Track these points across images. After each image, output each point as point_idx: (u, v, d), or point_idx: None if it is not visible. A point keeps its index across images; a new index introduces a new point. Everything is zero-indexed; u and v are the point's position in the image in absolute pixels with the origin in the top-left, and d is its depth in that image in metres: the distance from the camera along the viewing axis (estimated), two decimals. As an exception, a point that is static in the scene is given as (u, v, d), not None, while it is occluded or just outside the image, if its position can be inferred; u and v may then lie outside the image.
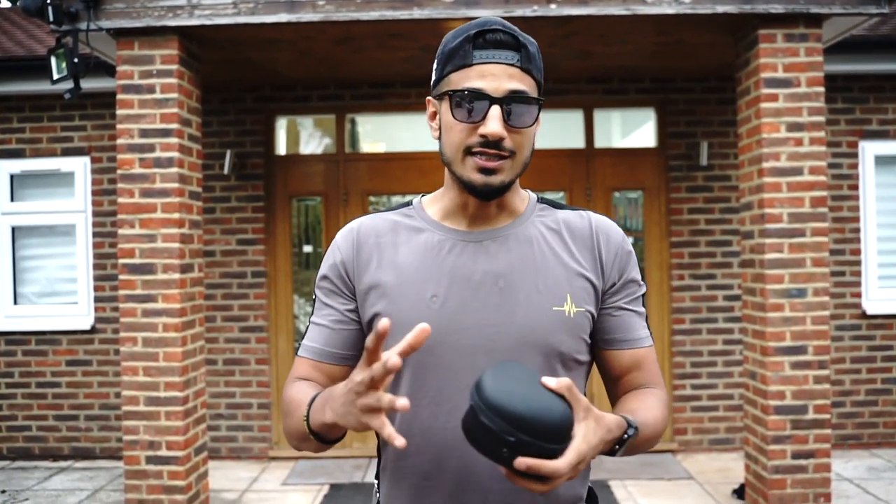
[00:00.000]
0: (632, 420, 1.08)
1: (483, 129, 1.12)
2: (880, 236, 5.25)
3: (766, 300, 3.84)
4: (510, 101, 1.13)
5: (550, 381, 0.96)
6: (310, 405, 1.10)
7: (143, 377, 3.87)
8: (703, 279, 5.25)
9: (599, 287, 1.22)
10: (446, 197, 1.25)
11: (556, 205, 1.30)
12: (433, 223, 1.25)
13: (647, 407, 1.17)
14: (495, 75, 1.13)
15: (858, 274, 5.23)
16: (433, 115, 1.22)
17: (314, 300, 1.28)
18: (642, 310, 1.26)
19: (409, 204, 1.31)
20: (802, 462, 3.83)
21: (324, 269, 1.27)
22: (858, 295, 5.23)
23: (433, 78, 1.22)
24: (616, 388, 1.28)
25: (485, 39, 1.14)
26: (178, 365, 3.86)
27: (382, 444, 1.26)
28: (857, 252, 5.22)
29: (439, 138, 1.21)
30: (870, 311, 5.19)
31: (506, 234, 1.22)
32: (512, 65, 1.14)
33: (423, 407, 1.16)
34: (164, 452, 3.87)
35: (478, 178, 1.15)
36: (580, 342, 1.20)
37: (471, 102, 1.13)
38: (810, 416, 3.83)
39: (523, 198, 1.28)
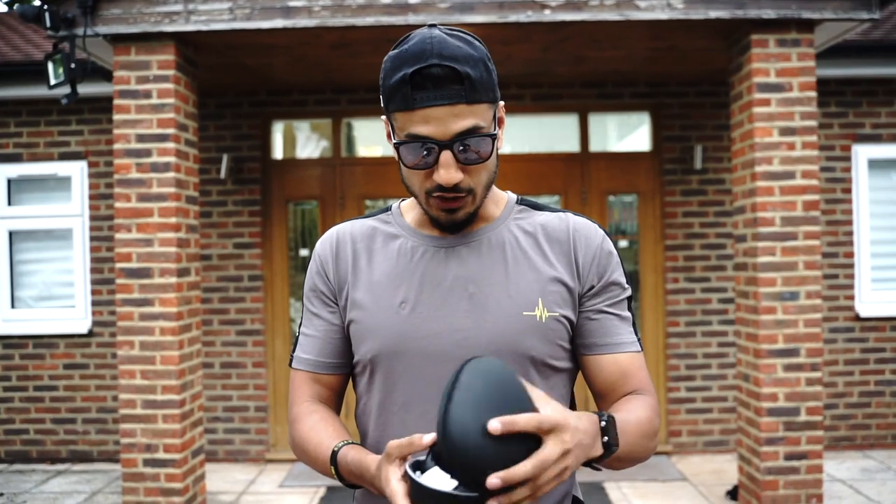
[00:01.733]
0: (603, 413, 1.05)
1: (436, 177, 1.10)
2: (873, 239, 5.28)
3: (759, 303, 3.87)
4: (460, 142, 1.09)
5: (495, 424, 0.89)
6: (334, 457, 1.14)
7: (140, 380, 3.89)
8: (697, 282, 5.28)
9: (576, 290, 1.19)
10: (420, 206, 1.23)
11: (536, 206, 1.28)
12: (409, 229, 1.26)
13: (628, 409, 1.15)
14: (440, 119, 1.07)
15: (852, 276, 5.26)
16: (389, 136, 1.19)
17: (303, 309, 1.30)
18: (627, 314, 1.22)
19: (388, 209, 1.31)
20: (795, 463, 3.86)
21: (308, 278, 1.29)
22: (851, 297, 5.26)
23: (381, 99, 1.16)
24: (604, 403, 1.23)
25: (422, 76, 1.06)
26: (174, 368, 3.88)
27: None
28: (851, 255, 5.26)
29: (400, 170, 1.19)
30: (863, 314, 5.23)
31: (479, 239, 1.22)
32: (456, 103, 1.07)
33: (394, 413, 1.18)
34: (161, 455, 3.89)
35: (442, 215, 1.17)
36: (555, 347, 1.18)
37: (420, 149, 1.10)
38: (803, 417, 3.86)
39: (499, 201, 1.27)
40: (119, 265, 3.92)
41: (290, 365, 1.29)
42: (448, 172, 1.10)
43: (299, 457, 1.24)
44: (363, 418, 1.26)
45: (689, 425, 5.25)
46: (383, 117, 1.19)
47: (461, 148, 1.10)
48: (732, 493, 4.29)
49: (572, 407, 1.26)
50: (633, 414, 1.14)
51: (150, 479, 3.89)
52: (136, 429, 3.90)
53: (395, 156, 1.16)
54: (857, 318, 5.24)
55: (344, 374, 1.28)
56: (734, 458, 4.78)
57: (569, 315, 1.20)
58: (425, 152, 1.10)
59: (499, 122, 1.18)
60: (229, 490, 4.63)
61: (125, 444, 3.92)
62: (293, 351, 1.29)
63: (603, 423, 1.03)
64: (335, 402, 1.31)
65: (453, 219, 1.17)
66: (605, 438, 1.03)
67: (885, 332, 5.25)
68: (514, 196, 1.30)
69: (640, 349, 1.24)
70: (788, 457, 3.86)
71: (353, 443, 1.15)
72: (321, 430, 1.19)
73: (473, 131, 1.09)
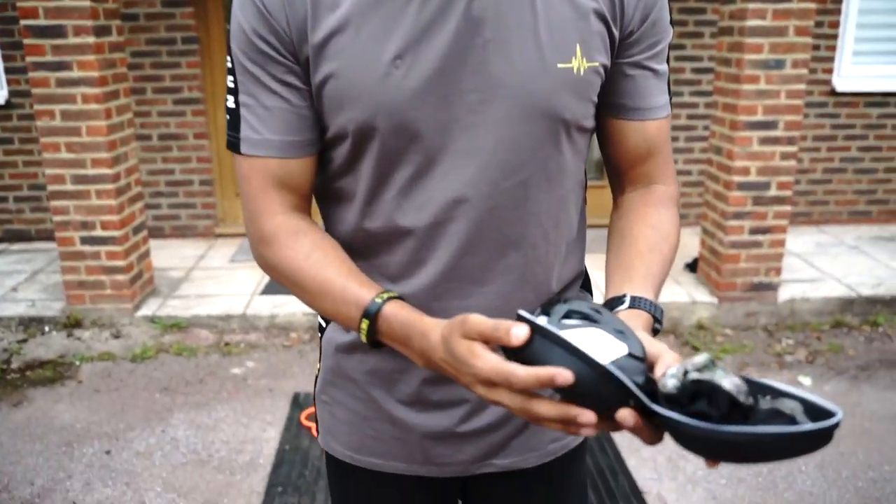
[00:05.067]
0: (654, 307, 0.87)
1: None
2: (861, 8, 4.91)
3: (742, 71, 3.58)
4: None
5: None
6: (374, 314, 0.83)
7: (66, 154, 3.53)
8: (671, 49, 4.92)
9: (616, 33, 0.90)
10: None
11: None
12: None
13: (654, 253, 0.94)
14: None
15: (833, 49, 4.96)
16: None
17: (233, 70, 0.89)
18: (664, 68, 0.97)
19: None
20: (759, 238, 3.82)
21: (245, 25, 0.85)
22: (830, 71, 5.00)
23: None
24: (621, 181, 1.03)
25: None
26: (103, 140, 3.51)
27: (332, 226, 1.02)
28: (836, 25, 4.92)
29: None
30: (839, 88, 5.00)
31: None
32: None
33: (387, 202, 0.90)
34: (99, 233, 3.64)
35: None
36: (588, 105, 0.91)
37: None
38: (772, 192, 3.75)
39: None
40: (24, 22, 3.38)
41: (234, 150, 0.91)
42: None
43: (288, 287, 0.93)
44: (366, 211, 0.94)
45: (651, 200, 5.16)
46: None
47: None
48: (692, 266, 4.30)
49: (585, 176, 1.02)
50: (657, 264, 0.94)
51: (90, 257, 3.68)
52: (68, 206, 3.61)
53: None
54: (833, 92, 5.02)
55: (312, 155, 0.92)
56: (695, 232, 4.76)
57: (606, 63, 0.91)
58: None
59: None
60: (178, 266, 4.47)
61: (59, 222, 3.65)
62: (233, 130, 0.90)
63: (658, 327, 0.88)
64: (307, 209, 0.96)
65: None
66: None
67: (858, 108, 5.07)
68: None
69: (669, 111, 1.00)
70: (753, 231, 3.81)
71: (398, 296, 0.85)
72: (330, 265, 0.88)
73: None
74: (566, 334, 0.68)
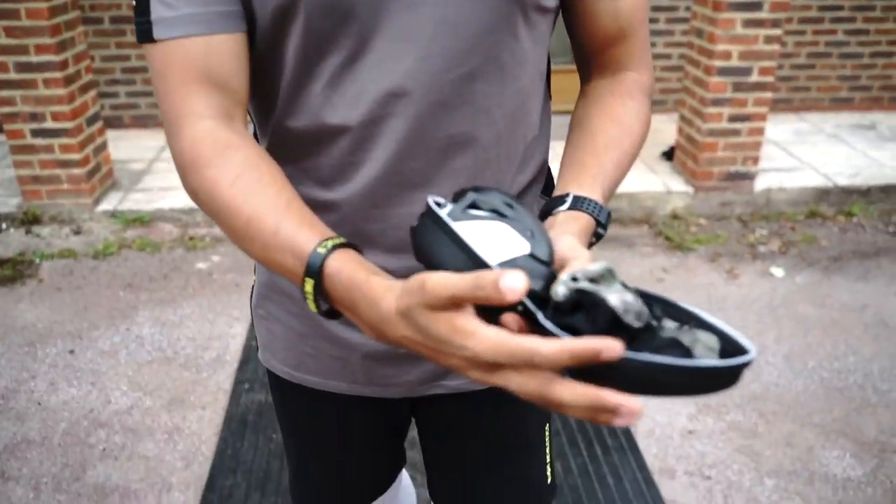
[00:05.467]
0: (599, 209, 0.75)
1: None
2: None
3: (729, -54, 3.38)
4: None
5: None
6: (317, 269, 0.64)
7: (5, 39, 3.29)
8: (656, -76, 4.63)
9: None
10: None
11: None
12: None
13: (611, 150, 0.82)
14: None
15: (825, -81, 4.70)
16: None
17: None
18: None
19: None
20: (738, 125, 3.72)
21: None
22: (820, -56, 4.76)
23: None
24: (588, 67, 0.91)
25: None
26: (46, 24, 3.26)
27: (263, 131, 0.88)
28: None
29: None
30: (828, -36, 4.78)
31: None
32: None
33: (314, 96, 0.77)
34: (50, 125, 3.46)
35: None
36: None
37: None
38: (754, 78, 3.62)
39: None
40: None
41: (145, 40, 0.75)
42: None
43: (215, 221, 0.74)
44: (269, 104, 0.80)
45: (629, 86, 5.00)
46: None
47: None
48: (668, 154, 4.21)
49: (548, 65, 0.91)
50: (619, 165, 0.82)
51: (42, 150, 3.51)
52: (14, 96, 3.40)
53: None
54: (822, -32, 4.80)
55: (245, 45, 0.76)
56: (672, 119, 4.64)
57: None
58: None
59: None
60: (139, 158, 4.30)
61: (6, 114, 3.45)
62: (142, 15, 0.74)
63: (601, 232, 0.78)
64: (242, 117, 0.78)
65: None
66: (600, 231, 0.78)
67: (846, -16, 4.86)
68: None
69: None
70: (732, 118, 3.70)
71: (345, 243, 0.66)
72: (262, 192, 0.70)
73: None
74: (461, 226, 0.60)
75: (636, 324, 0.53)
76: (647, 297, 0.58)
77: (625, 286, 0.56)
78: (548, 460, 1.15)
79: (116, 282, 3.17)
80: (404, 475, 1.47)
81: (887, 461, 2.17)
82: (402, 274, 0.74)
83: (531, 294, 0.57)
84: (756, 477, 2.12)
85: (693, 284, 3.16)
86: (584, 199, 0.75)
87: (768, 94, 3.67)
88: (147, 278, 3.20)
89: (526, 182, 0.91)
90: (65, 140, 3.48)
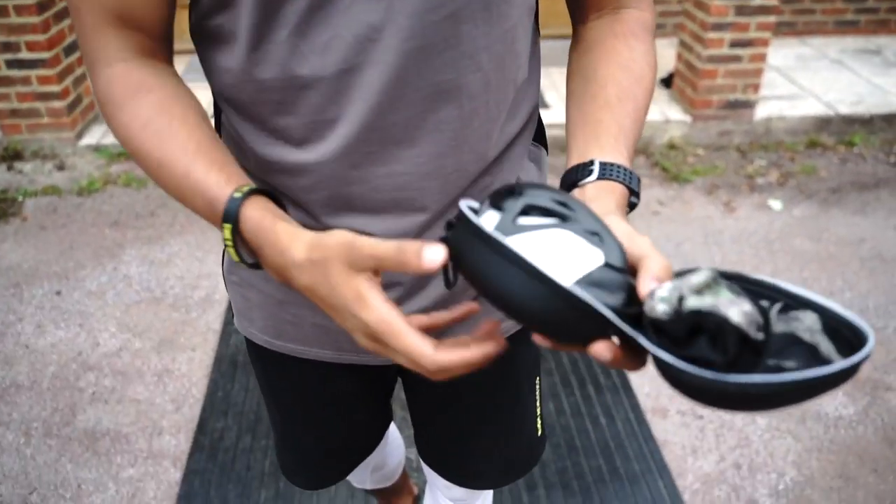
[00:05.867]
0: (630, 175, 0.69)
1: None
2: None
3: None
4: None
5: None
6: (234, 215, 0.63)
7: (-27, -37, 3.13)
8: None
9: None
10: None
11: None
12: None
13: (626, 102, 0.75)
14: None
15: None
16: None
17: None
18: None
19: None
20: (739, 52, 3.59)
21: None
22: None
23: None
24: (583, 5, 0.82)
25: None
26: (14, -54, 3.10)
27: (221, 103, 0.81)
28: None
29: None
30: None
31: None
32: None
33: (279, 43, 0.68)
34: (25, 55, 3.32)
35: None
36: None
37: None
38: (757, 0, 3.48)
39: None
40: None
41: None
42: None
43: (153, 179, 0.72)
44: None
45: (628, 9, 4.82)
46: None
47: None
48: (667, 81, 4.09)
49: (536, 18, 0.82)
50: (637, 119, 0.75)
51: (19, 82, 3.38)
52: (-15, 24, 3.25)
53: None
54: None
55: None
56: (672, 44, 4.50)
57: None
58: None
59: None
60: (122, 90, 4.17)
61: (-22, 43, 3.31)
62: None
63: (634, 201, 0.71)
64: (163, 53, 0.75)
65: None
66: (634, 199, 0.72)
67: None
68: None
69: None
70: (734, 44, 3.57)
71: (257, 189, 0.65)
72: (174, 136, 0.68)
73: None
74: (520, 242, 0.52)
75: (760, 336, 0.48)
76: (729, 279, 0.53)
77: (729, 288, 0.50)
78: (538, 413, 1.13)
79: (102, 219, 3.11)
80: (392, 428, 1.46)
81: (879, 399, 2.17)
82: (384, 237, 0.73)
83: (621, 311, 0.51)
84: (748, 416, 2.12)
85: (690, 217, 3.11)
86: (613, 165, 0.68)
87: (771, 18, 3.54)
88: (133, 215, 3.13)
89: (516, 131, 0.83)
90: (42, 71, 3.36)
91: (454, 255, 0.54)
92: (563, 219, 0.55)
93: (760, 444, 2.03)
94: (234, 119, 0.77)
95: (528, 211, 0.55)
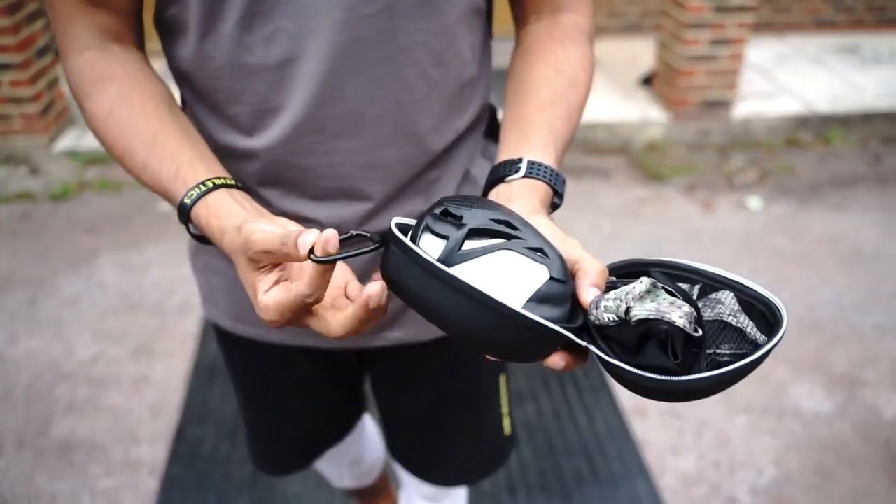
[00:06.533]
0: (555, 176, 0.71)
1: None
2: None
3: None
4: None
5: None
6: (189, 210, 0.67)
7: (-58, -34, 3.08)
8: None
9: None
10: None
11: None
12: None
13: (558, 105, 0.76)
14: None
15: None
16: None
17: None
18: None
19: None
20: (717, 51, 3.61)
21: None
22: None
23: None
24: (522, 7, 0.83)
25: None
26: (-17, -51, 3.05)
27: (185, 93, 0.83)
28: None
29: None
30: None
31: None
32: None
33: (226, 35, 0.71)
34: (-3, 59, 3.28)
35: None
36: None
37: None
38: (735, 1, 3.49)
39: None
40: None
41: None
42: None
43: (113, 155, 0.76)
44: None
45: (605, 6, 4.84)
46: None
47: None
48: (647, 80, 4.10)
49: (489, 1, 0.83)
50: (569, 122, 0.77)
51: (-9, 87, 3.33)
52: (-45, 28, 3.20)
53: None
54: None
55: None
56: (650, 44, 4.51)
57: None
58: None
59: None
60: (98, 93, 4.12)
61: (-52, 47, 3.26)
62: None
63: (557, 202, 0.72)
64: (132, 37, 0.77)
65: None
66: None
67: None
68: None
69: None
70: (712, 43, 3.59)
71: (219, 184, 0.67)
72: (132, 125, 0.71)
73: None
74: (467, 270, 0.52)
75: (699, 333, 0.52)
76: (640, 266, 0.58)
77: (666, 290, 0.53)
78: (504, 411, 1.13)
79: (77, 225, 3.07)
80: (368, 422, 1.45)
81: (856, 395, 2.18)
82: (331, 223, 0.79)
83: (569, 323, 0.54)
84: (727, 414, 2.12)
85: (669, 217, 3.12)
86: (540, 165, 0.70)
87: (749, 18, 3.56)
88: (109, 221, 3.10)
89: (465, 126, 0.84)
90: (13, 75, 3.31)
91: (394, 284, 0.54)
92: (506, 237, 0.56)
93: (739, 441, 2.03)
94: (194, 106, 0.80)
95: (469, 235, 0.56)
